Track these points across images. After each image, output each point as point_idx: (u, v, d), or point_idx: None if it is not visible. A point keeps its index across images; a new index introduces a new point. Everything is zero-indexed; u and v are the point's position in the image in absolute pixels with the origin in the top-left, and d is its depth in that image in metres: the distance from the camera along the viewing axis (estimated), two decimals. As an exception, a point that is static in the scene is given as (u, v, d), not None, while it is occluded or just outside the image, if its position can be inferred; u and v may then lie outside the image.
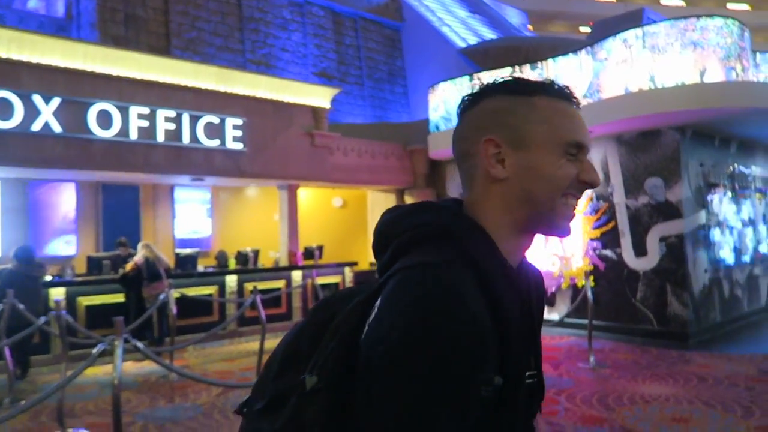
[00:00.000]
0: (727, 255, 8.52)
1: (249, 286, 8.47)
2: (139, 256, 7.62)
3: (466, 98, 0.92)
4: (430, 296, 0.73)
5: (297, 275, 9.50)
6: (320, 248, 10.36)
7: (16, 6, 11.01)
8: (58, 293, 7.16)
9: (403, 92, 15.92)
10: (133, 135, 7.67)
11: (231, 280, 8.85)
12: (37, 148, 7.02)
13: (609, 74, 7.87)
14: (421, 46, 15.68)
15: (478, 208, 0.88)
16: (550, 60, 8.79)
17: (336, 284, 9.95)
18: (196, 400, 5.54)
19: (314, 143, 9.58)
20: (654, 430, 4.37)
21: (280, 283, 9.24)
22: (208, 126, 8.36)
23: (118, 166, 7.66)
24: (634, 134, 8.05)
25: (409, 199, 11.13)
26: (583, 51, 8.30)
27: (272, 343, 4.05)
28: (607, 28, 9.85)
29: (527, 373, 0.85)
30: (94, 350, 3.39)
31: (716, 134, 8.39)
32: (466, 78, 9.89)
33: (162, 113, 7.93)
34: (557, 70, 8.66)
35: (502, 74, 9.42)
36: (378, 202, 12.05)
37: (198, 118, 8.26)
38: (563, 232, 0.89)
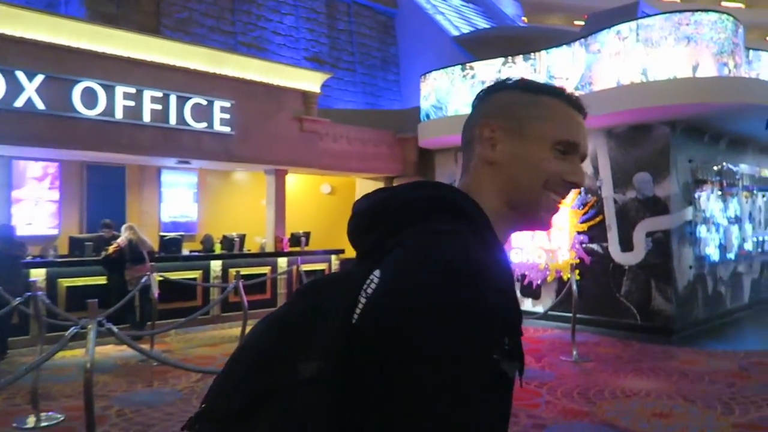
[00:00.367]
0: (712, 252, 8.55)
1: (234, 271, 8.39)
2: (123, 238, 7.52)
3: (481, 91, 0.96)
4: (457, 259, 0.71)
5: (283, 261, 9.43)
6: (307, 235, 10.28)
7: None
8: (38, 274, 7.05)
9: (395, 80, 15.80)
10: (119, 115, 7.53)
11: (216, 265, 8.77)
12: (19, 125, 6.87)
13: (602, 67, 7.82)
14: (415, 34, 15.53)
15: (472, 190, 0.89)
16: (543, 51, 8.72)
17: (322, 271, 9.89)
18: (176, 385, 5.48)
19: (303, 128, 9.48)
20: (634, 425, 4.38)
21: (265, 269, 9.17)
22: (196, 108, 8.23)
23: (103, 146, 7.52)
24: (624, 128, 8.02)
25: (398, 188, 11.04)
26: (577, 43, 8.24)
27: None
28: (601, 20, 9.77)
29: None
30: (67, 333, 3.31)
31: (706, 130, 8.38)
32: (458, 67, 9.78)
33: (149, 93, 7.78)
34: (550, 61, 8.60)
35: (494, 64, 9.38)
36: (367, 189, 11.91)
37: (186, 99, 8.13)
38: (544, 224, 0.91)
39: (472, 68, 9.51)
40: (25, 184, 9.23)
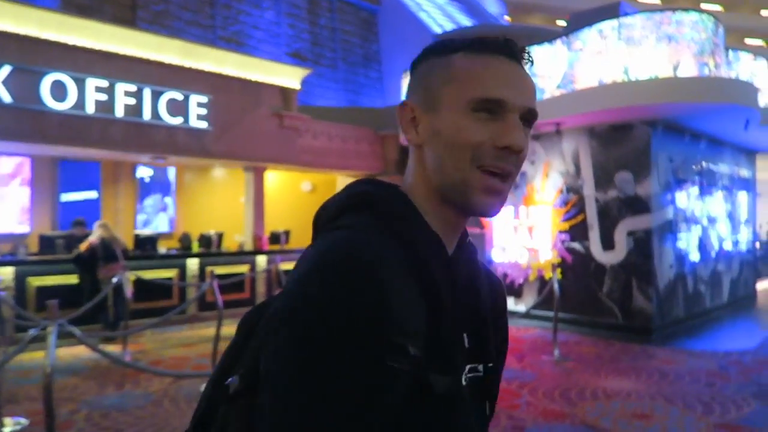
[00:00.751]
0: (692, 251, 8.58)
1: (214, 270, 8.22)
2: (95, 236, 7.30)
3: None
4: (330, 255, 0.66)
5: (262, 260, 9.26)
6: (287, 233, 10.13)
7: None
8: (6, 272, 6.81)
9: (377, 77, 15.67)
10: (90, 109, 7.30)
11: (192, 264, 8.57)
12: (-16, 118, 6.62)
13: (583, 65, 7.78)
14: (398, 31, 15.42)
15: (407, 181, 0.82)
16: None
17: (302, 270, 9.73)
18: (148, 387, 5.30)
19: (283, 125, 9.31)
20: (615, 427, 4.32)
21: (244, 268, 8.99)
22: (171, 102, 8.02)
23: (74, 141, 7.28)
24: (605, 127, 8.00)
25: (379, 186, 10.94)
26: (559, 41, 8.20)
27: (230, 329, 3.83)
28: (583, 20, 9.74)
29: (469, 366, 0.77)
30: (27, 335, 3.14)
31: (687, 130, 8.40)
32: (441, 64, 9.69)
33: (121, 87, 7.56)
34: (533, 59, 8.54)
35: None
36: (348, 187, 11.81)
37: (160, 93, 7.91)
38: (482, 208, 0.76)
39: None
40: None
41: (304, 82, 9.94)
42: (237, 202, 10.80)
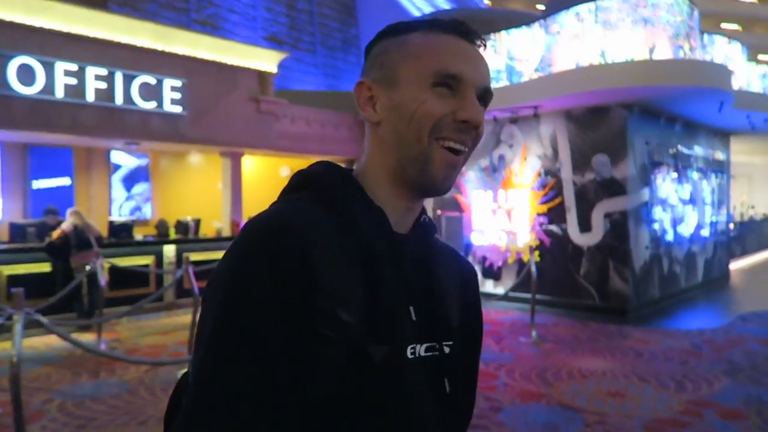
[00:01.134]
0: (667, 232, 8.70)
1: (189, 256, 8.12)
2: (67, 223, 7.15)
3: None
4: (252, 222, 0.70)
5: (240, 246, 9.16)
6: (266, 219, 10.03)
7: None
8: (-25, 262, 6.66)
9: (357, 61, 15.54)
10: (60, 93, 7.12)
11: (169, 250, 8.47)
12: (-51, 103, 6.42)
13: (561, 49, 7.78)
14: (377, 15, 15.28)
15: (363, 157, 0.83)
16: (503, 32, 8.63)
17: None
18: (123, 375, 5.24)
19: (260, 109, 9.18)
20: (589, 406, 4.38)
21: (221, 254, 8.87)
22: (144, 86, 7.85)
23: (43, 126, 7.10)
24: (582, 110, 8.03)
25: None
26: (537, 24, 8.18)
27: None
28: (561, 4, 9.73)
29: (426, 345, 0.76)
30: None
31: (662, 113, 8.46)
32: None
33: (92, 71, 7.37)
34: (511, 42, 8.52)
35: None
36: (327, 173, 11.74)
37: (133, 77, 7.74)
38: (438, 184, 0.77)
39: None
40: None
41: (282, 66, 9.80)
42: (215, 188, 10.67)
